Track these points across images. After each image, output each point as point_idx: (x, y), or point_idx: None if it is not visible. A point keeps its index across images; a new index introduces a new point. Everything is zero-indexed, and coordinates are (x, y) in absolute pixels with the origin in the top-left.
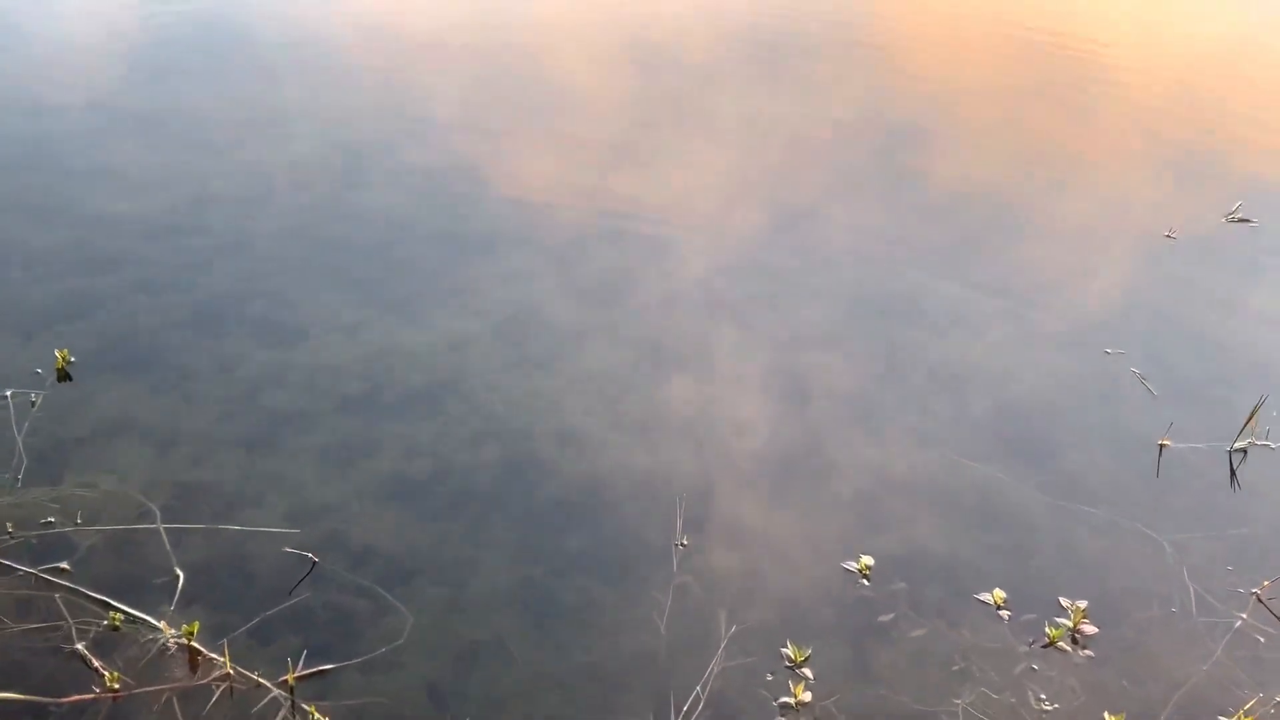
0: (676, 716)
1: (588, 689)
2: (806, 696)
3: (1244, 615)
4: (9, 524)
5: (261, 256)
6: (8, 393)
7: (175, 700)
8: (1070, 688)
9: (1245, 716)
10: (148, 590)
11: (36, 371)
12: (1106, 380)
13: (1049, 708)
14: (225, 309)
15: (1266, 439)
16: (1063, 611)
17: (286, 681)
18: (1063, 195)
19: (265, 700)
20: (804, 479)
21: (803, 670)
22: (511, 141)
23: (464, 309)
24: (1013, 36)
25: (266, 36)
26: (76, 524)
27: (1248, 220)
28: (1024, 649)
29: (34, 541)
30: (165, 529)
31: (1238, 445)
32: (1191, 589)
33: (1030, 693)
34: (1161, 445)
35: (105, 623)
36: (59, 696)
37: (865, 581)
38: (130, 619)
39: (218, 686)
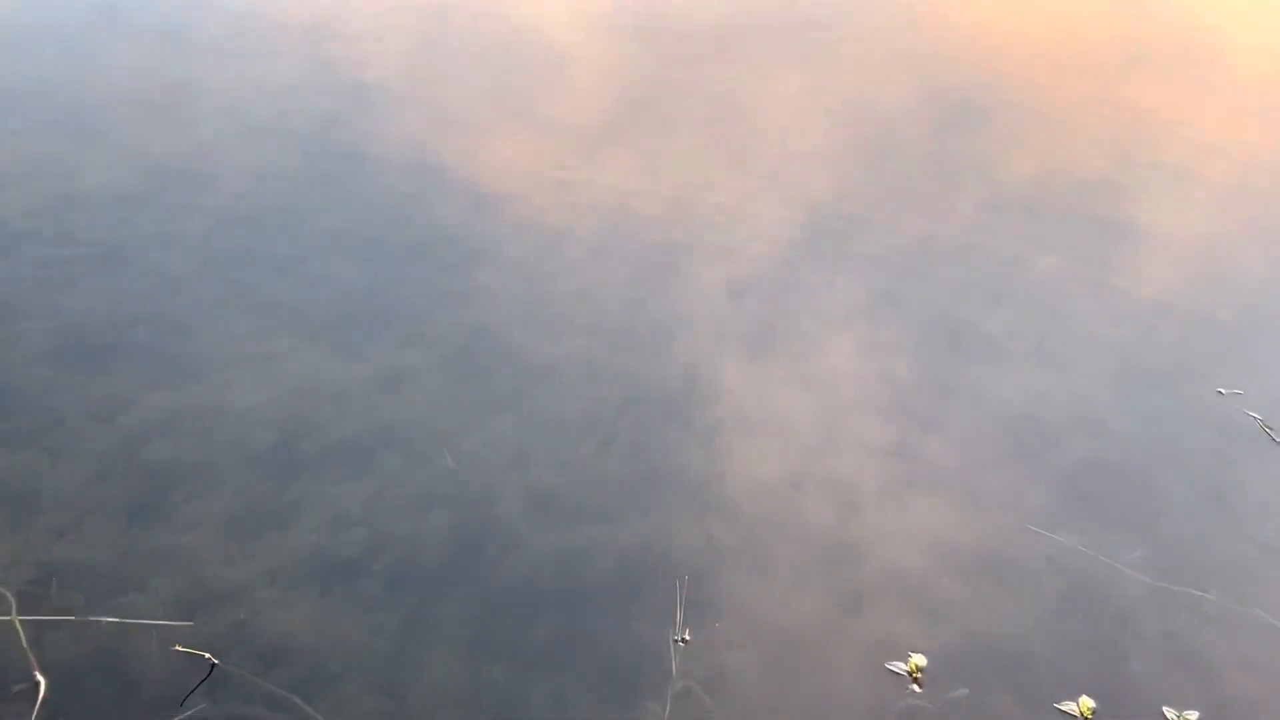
0: None
1: None
2: None
3: None
4: None
5: (146, 270)
6: None
7: None
8: None
9: None
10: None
11: None
12: (1218, 427)
13: None
14: (99, 338)
15: None
16: None
17: None
18: (1169, 186)
19: None
20: (837, 554)
21: None
22: (469, 122)
23: (405, 336)
24: None
25: None
26: None
27: None
28: None
29: None
30: (22, 621)
31: None
32: None
33: None
34: None
35: None
36: None
37: (916, 688)
38: None
39: None
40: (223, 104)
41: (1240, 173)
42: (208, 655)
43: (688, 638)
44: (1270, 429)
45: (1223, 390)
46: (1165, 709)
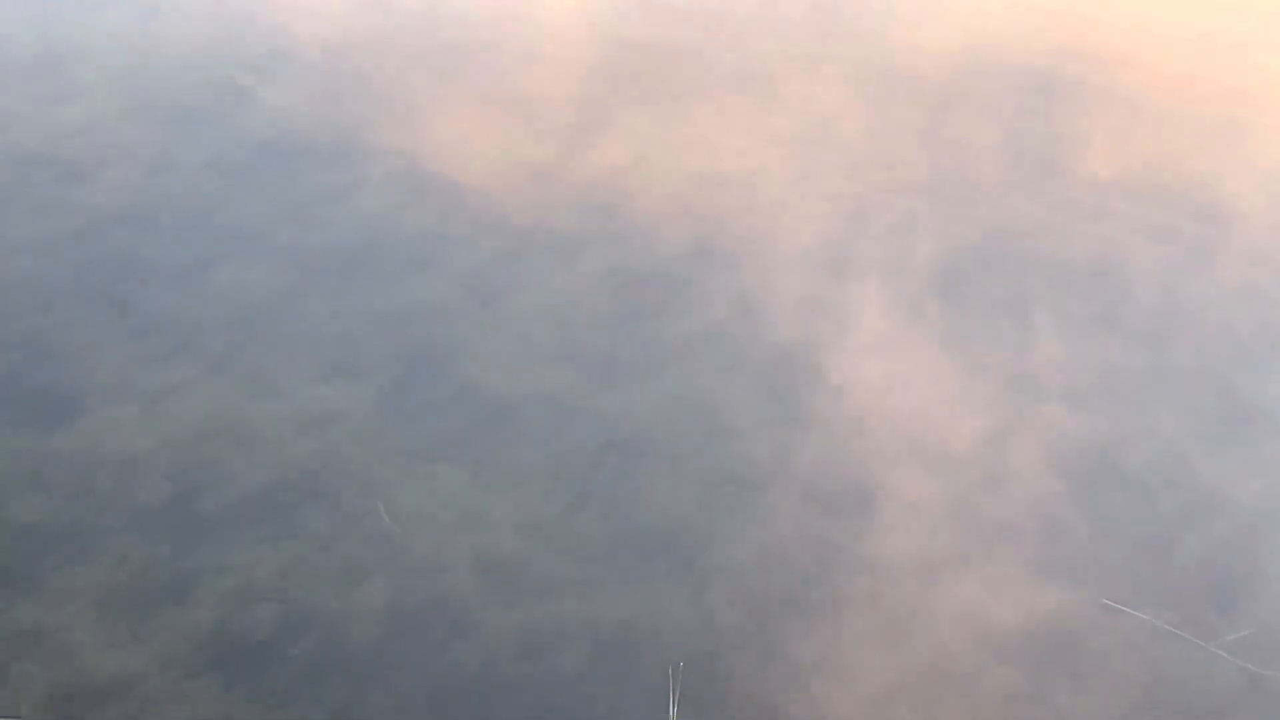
0: None
1: None
2: None
3: None
4: None
5: (7, 283)
6: None
7: None
8: None
9: None
10: None
11: None
12: None
13: None
14: None
15: None
16: None
17: None
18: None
19: None
20: (868, 632)
21: None
22: (413, 98)
23: (331, 365)
24: None
25: None
26: None
27: None
28: None
29: None
30: None
31: None
32: None
33: None
34: None
35: None
36: None
37: None
38: None
39: None
40: (104, 74)
41: None
42: None
43: None
44: None
45: None
46: None
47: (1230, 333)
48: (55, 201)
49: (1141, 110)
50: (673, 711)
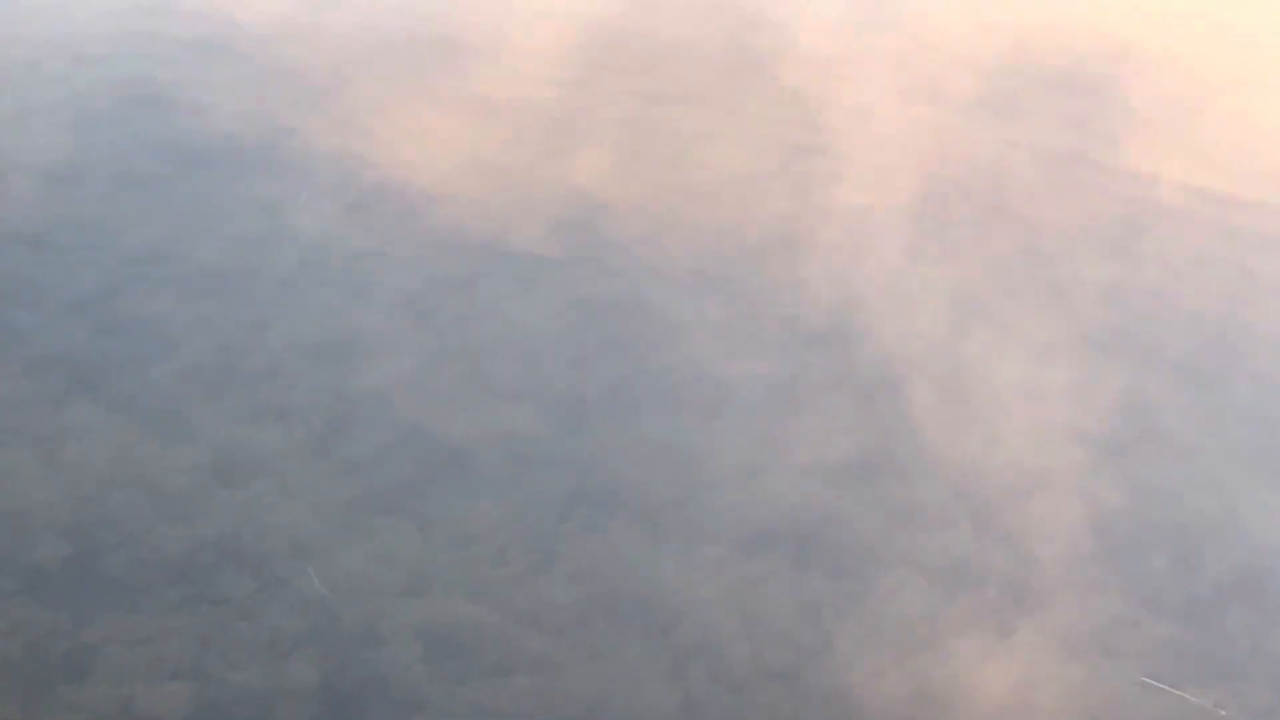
0: None
1: None
2: None
3: None
4: None
5: None
6: None
7: None
8: None
9: None
10: None
11: None
12: None
13: None
14: None
15: None
16: None
17: None
18: None
19: None
20: (873, 713)
21: None
22: (356, 96)
23: (254, 405)
24: None
25: None
26: None
27: None
28: None
29: None
30: None
31: None
32: None
33: None
34: None
35: None
36: None
37: None
38: None
39: None
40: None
41: None
42: None
43: None
44: None
45: None
46: None
47: None
48: None
49: None
50: None
